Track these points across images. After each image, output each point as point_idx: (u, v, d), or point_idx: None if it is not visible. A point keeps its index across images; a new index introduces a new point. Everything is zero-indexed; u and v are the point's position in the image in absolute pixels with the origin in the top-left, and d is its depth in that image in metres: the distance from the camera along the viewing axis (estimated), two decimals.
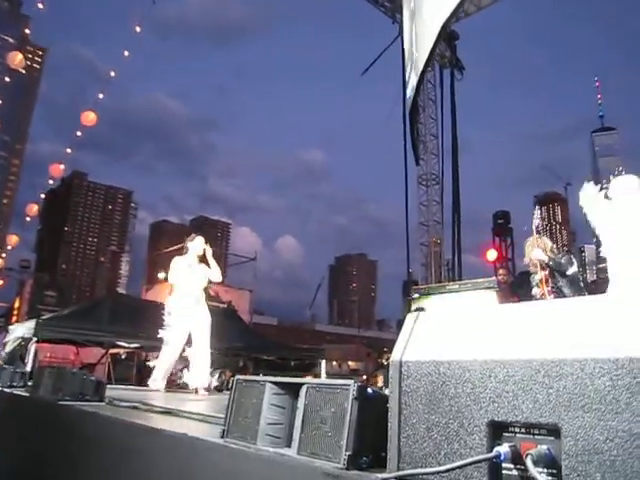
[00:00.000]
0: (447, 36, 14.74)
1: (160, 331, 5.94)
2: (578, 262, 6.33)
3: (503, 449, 1.10)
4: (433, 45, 13.48)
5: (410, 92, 15.85)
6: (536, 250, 5.60)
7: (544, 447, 1.06)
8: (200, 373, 5.91)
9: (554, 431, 1.06)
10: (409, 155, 16.22)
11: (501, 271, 9.07)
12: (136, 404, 3.18)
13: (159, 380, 5.98)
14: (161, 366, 6.03)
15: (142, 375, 9.80)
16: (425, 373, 1.29)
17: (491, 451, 1.12)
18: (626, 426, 0.96)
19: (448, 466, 1.16)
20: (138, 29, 14.89)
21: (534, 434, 1.09)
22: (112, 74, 15.52)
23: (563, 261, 5.58)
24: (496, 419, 1.14)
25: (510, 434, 1.13)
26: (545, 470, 1.05)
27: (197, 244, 6.29)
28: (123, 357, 12.01)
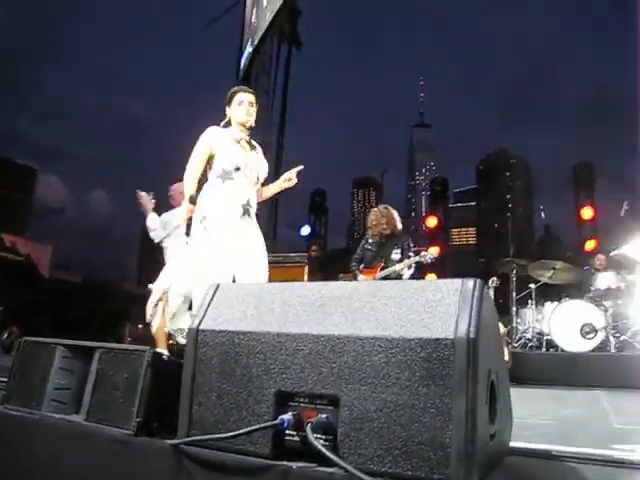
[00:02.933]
0: (289, 10, 14.74)
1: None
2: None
3: (287, 417, 1.19)
4: (273, 17, 13.47)
5: (245, 60, 15.71)
6: None
7: (323, 416, 1.17)
8: None
9: (334, 401, 1.17)
10: None
11: (314, 247, 9.53)
12: None
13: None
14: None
15: None
16: (220, 342, 1.32)
17: (276, 419, 1.18)
18: (394, 398, 1.09)
19: (235, 433, 1.22)
20: None
21: (316, 404, 1.20)
22: None
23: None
24: (283, 389, 1.23)
25: (295, 403, 1.22)
26: (323, 436, 1.15)
27: (239, 102, 3.14)
28: None
